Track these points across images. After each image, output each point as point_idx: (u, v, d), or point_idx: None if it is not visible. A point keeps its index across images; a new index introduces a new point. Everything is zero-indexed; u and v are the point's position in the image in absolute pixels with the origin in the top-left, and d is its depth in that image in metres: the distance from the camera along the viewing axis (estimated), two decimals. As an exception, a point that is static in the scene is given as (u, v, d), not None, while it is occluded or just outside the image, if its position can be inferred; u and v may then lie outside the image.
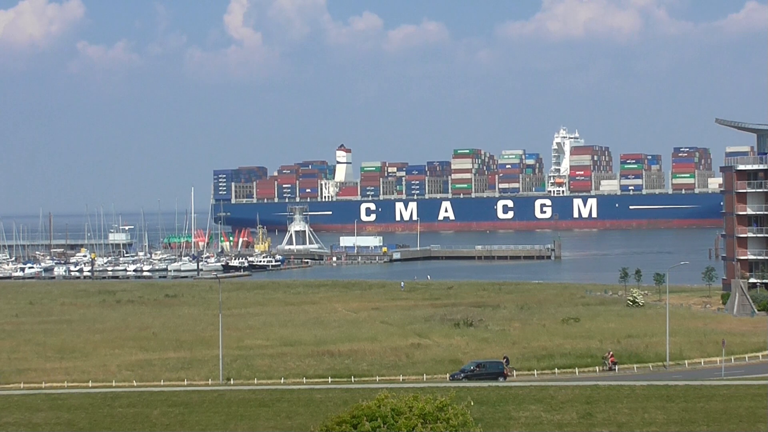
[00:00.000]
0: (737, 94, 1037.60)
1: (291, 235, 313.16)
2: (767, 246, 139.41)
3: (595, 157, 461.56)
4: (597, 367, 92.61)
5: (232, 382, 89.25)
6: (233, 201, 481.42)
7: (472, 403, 50.89)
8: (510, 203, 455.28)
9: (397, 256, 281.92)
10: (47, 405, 76.85)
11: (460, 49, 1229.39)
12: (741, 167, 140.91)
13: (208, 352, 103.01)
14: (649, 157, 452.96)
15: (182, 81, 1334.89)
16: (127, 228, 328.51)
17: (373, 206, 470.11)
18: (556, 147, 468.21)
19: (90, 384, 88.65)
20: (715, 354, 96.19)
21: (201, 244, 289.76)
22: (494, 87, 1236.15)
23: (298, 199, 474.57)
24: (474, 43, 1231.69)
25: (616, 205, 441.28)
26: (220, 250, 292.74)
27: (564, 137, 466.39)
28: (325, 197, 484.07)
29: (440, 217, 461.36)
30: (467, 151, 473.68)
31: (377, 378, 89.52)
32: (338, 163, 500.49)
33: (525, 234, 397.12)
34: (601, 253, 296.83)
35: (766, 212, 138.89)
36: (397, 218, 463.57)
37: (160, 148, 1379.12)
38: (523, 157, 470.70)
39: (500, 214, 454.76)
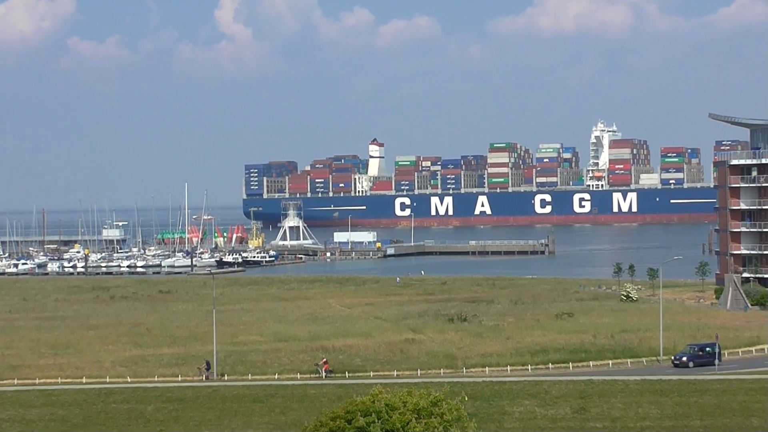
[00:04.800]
0: (729, 89, 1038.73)
1: (285, 230, 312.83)
2: (760, 241, 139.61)
3: (634, 151, 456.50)
4: (310, 374, 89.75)
5: (226, 377, 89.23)
6: (265, 196, 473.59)
7: (466, 398, 50.95)
8: (548, 197, 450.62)
9: (390, 251, 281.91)
10: (41, 401, 76.85)
11: (451, 44, 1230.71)
12: (734, 162, 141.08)
13: (202, 348, 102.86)
14: (689, 150, 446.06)
15: (173, 76, 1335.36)
16: (120, 224, 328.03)
17: (407, 201, 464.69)
18: (594, 141, 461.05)
19: (84, 380, 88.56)
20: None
21: (195, 239, 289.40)
22: (487, 82, 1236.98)
23: (331, 194, 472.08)
24: (465, 39, 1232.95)
25: (657, 199, 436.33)
26: (213, 246, 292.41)
27: (602, 131, 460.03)
28: (358, 192, 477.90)
29: (476, 212, 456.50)
30: (503, 144, 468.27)
31: (371, 373, 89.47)
32: (371, 157, 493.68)
33: (563, 228, 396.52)
34: (594, 248, 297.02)
35: (759, 207, 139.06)
36: (433, 213, 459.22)
37: (153, 144, 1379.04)
38: (561, 150, 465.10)
39: (538, 209, 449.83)
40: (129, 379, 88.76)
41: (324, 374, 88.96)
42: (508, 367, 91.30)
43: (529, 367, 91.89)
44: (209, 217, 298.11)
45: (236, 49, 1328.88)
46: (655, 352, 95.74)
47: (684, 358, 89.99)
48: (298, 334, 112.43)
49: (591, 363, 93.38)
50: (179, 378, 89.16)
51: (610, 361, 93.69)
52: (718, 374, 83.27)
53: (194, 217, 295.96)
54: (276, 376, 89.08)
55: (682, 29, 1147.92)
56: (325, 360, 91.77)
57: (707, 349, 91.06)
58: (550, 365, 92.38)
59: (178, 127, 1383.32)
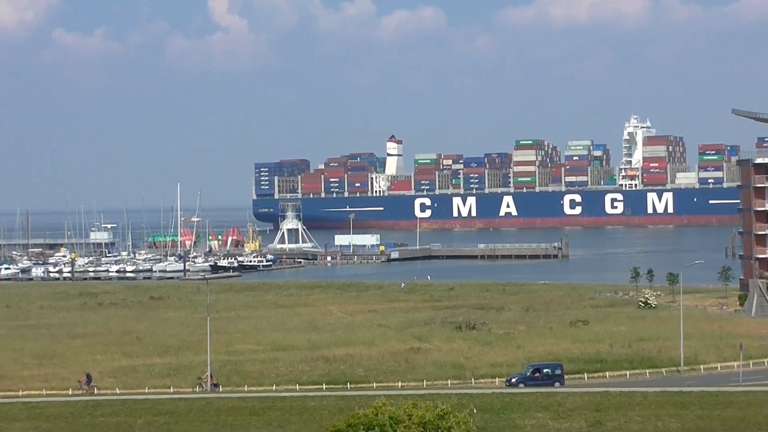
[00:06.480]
0: (752, 83, 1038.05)
1: (283, 233, 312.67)
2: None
3: (670, 148, 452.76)
4: (194, 388, 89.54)
5: (221, 388, 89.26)
6: (276, 196, 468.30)
7: (475, 411, 50.95)
8: (578, 198, 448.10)
9: (395, 255, 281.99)
10: (25, 414, 76.77)
11: (458, 36, 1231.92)
12: (759, 160, 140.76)
13: (195, 358, 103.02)
14: (729, 147, 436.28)
15: (164, 70, 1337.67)
16: (109, 226, 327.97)
17: (428, 201, 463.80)
18: (627, 137, 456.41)
19: (70, 392, 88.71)
20: (733, 358, 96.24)
21: (188, 243, 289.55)
22: (498, 76, 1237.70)
23: (346, 194, 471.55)
24: (473, 30, 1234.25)
25: (695, 199, 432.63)
26: (208, 250, 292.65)
27: (636, 127, 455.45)
28: (376, 192, 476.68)
29: (501, 213, 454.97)
30: (530, 141, 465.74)
31: (374, 384, 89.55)
32: (388, 155, 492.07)
33: (594, 231, 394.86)
34: (612, 252, 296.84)
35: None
36: (455, 214, 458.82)
37: (143, 141, 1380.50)
38: (591, 148, 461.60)
39: (567, 210, 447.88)
40: (118, 391, 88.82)
41: (209, 387, 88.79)
42: (95, 389, 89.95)
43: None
44: (198, 219, 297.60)
45: (231, 41, 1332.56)
46: (675, 362, 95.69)
47: (513, 380, 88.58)
48: (296, 342, 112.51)
49: (607, 373, 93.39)
50: (171, 389, 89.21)
51: (628, 372, 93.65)
52: (743, 386, 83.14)
53: (182, 218, 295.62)
54: (274, 388, 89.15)
55: (701, 19, 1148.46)
56: (209, 373, 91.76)
57: (545, 370, 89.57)
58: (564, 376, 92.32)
59: (171, 123, 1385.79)
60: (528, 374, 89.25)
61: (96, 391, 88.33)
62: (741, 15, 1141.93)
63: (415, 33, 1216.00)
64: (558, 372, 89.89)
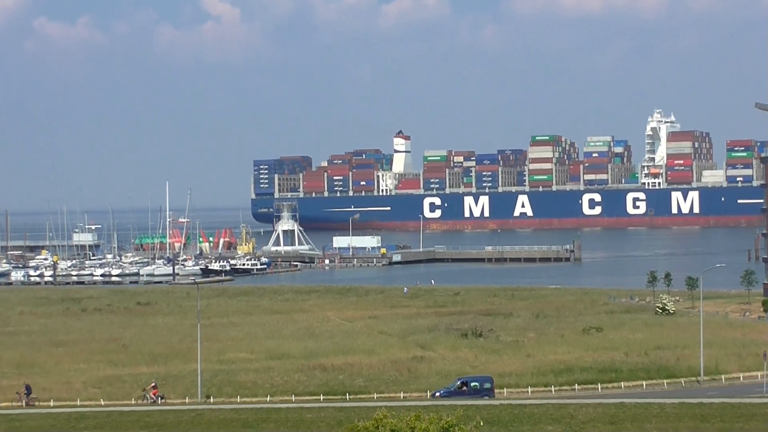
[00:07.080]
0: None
1: (278, 234, 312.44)
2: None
3: (696, 144, 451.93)
4: (137, 400, 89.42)
5: (212, 400, 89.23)
6: (276, 195, 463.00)
7: (482, 423, 50.83)
8: (597, 197, 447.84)
9: (397, 258, 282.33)
10: (3, 427, 76.68)
11: (463, 26, 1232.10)
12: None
13: (185, 367, 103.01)
14: (759, 143, 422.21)
15: (152, 61, 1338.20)
16: (93, 227, 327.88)
17: (438, 201, 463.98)
18: (650, 133, 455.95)
19: (52, 403, 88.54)
20: (756, 368, 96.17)
21: (177, 245, 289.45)
22: (503, 69, 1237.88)
23: (351, 193, 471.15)
24: (478, 20, 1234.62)
25: (722, 198, 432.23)
26: (198, 252, 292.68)
27: (659, 121, 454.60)
28: (382, 191, 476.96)
29: (516, 213, 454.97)
30: (546, 137, 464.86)
31: (375, 395, 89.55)
32: (396, 151, 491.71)
33: (616, 232, 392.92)
34: (628, 255, 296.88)
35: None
36: (466, 214, 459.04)
37: (130, 137, 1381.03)
38: (612, 144, 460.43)
39: (586, 210, 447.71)
40: (102, 402, 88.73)
41: (154, 400, 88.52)
42: (529, 388, 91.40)
43: (553, 388, 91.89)
44: (187, 219, 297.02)
45: (222, 31, 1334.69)
46: (694, 372, 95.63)
47: (438, 394, 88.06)
48: (292, 351, 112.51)
49: (622, 384, 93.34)
50: (159, 401, 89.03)
51: (644, 382, 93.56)
52: (767, 397, 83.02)
53: (169, 219, 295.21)
54: (268, 399, 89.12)
55: (720, 8, 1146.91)
56: (154, 384, 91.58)
57: (473, 384, 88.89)
58: (577, 386, 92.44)
59: (160, 118, 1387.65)
60: (454, 388, 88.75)
61: (36, 404, 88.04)
62: (765, 2, 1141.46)
63: (418, 22, 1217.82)
64: (487, 386, 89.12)
